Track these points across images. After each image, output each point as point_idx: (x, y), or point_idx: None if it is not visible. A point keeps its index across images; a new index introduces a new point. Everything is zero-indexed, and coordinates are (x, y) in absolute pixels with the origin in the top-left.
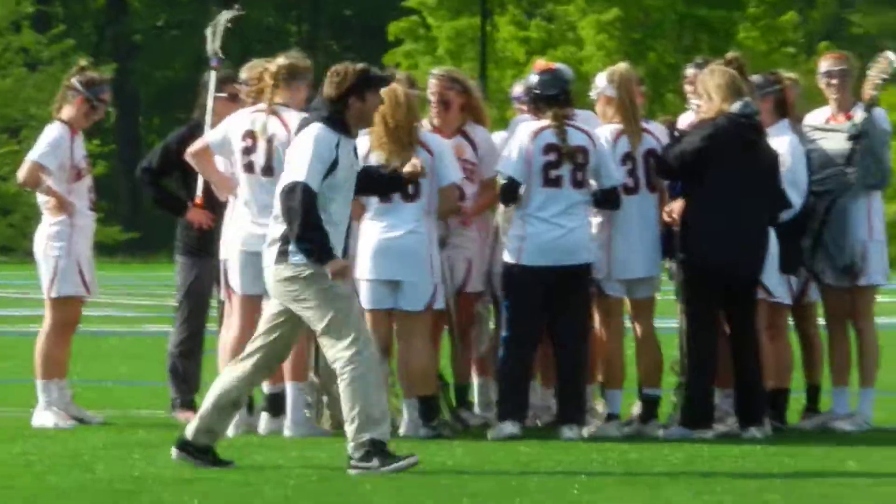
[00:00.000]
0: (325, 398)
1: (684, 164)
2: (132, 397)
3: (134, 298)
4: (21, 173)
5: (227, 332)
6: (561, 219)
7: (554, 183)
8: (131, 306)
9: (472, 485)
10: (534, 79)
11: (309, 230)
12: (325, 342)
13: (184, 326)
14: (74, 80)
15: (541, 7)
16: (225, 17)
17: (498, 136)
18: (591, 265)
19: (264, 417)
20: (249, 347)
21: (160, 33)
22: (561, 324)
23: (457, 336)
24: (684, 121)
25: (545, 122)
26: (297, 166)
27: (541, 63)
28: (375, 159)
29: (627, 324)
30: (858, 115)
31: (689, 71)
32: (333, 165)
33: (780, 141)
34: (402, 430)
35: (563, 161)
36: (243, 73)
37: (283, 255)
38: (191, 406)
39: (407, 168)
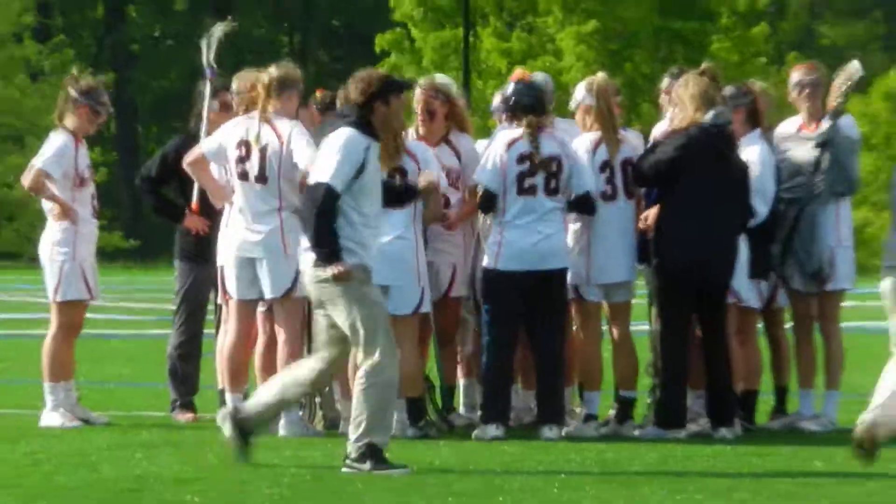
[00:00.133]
0: (317, 400)
1: (658, 173)
2: (134, 398)
3: (135, 302)
4: (26, 180)
5: (224, 335)
6: (537, 225)
7: (528, 192)
8: (132, 310)
9: (458, 483)
10: (510, 88)
11: (321, 230)
12: (353, 345)
13: (182, 329)
14: (73, 91)
15: (521, 19)
16: (219, 29)
17: (481, 145)
18: (566, 270)
19: None
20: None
21: (157, 44)
22: (539, 328)
23: (442, 339)
24: (659, 130)
25: (519, 131)
26: (325, 167)
27: (518, 73)
28: None
29: (604, 327)
30: (825, 124)
31: (665, 81)
32: (362, 168)
33: (751, 150)
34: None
35: (537, 170)
36: (235, 83)
37: (318, 260)
38: (190, 407)
39: (422, 182)
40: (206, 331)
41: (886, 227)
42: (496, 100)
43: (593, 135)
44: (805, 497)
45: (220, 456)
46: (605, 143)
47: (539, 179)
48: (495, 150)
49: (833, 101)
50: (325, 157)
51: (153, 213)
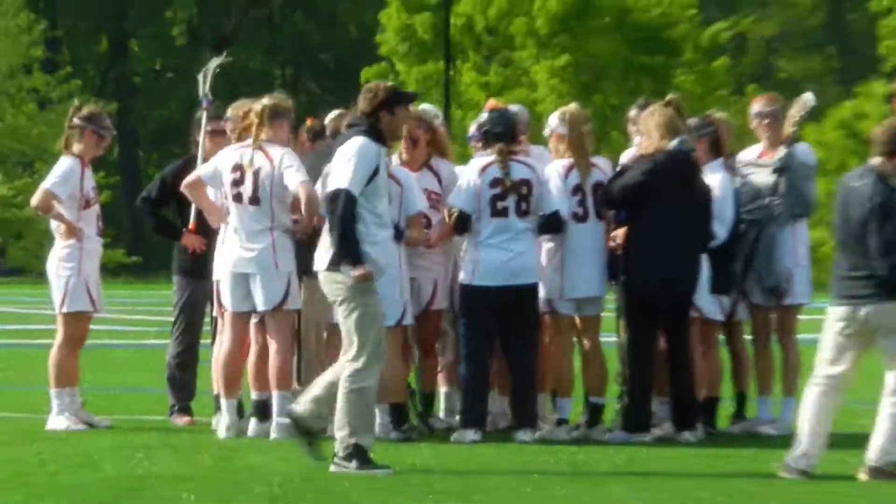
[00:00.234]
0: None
1: (627, 196)
2: (135, 404)
3: (136, 315)
4: (34, 200)
5: (220, 345)
6: (509, 244)
7: (501, 213)
8: (134, 322)
9: (438, 483)
10: (484, 117)
11: (345, 235)
12: (345, 346)
13: (180, 340)
14: (77, 120)
15: (498, 54)
16: (215, 62)
17: (460, 170)
18: (536, 285)
19: (252, 422)
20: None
21: (157, 76)
22: (513, 339)
23: (424, 349)
24: (627, 156)
25: (491, 157)
26: (341, 175)
27: (491, 103)
28: None
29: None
30: (781, 151)
31: (633, 111)
32: (375, 172)
33: (713, 178)
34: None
35: (508, 193)
36: (230, 112)
37: (335, 263)
38: (187, 411)
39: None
40: (202, 341)
41: None
42: (472, 128)
43: (566, 161)
44: (762, 496)
45: (215, 457)
46: (577, 169)
47: (510, 202)
48: (469, 175)
49: (788, 129)
50: (340, 165)
51: (153, 232)
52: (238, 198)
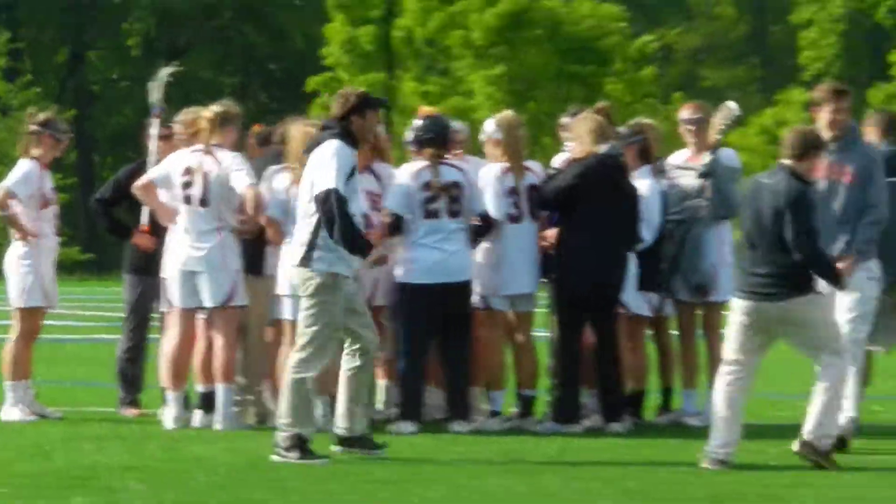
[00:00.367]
0: (250, 397)
1: (559, 198)
2: (86, 396)
3: (89, 311)
4: None
5: (168, 340)
6: (442, 244)
7: (433, 215)
8: (86, 317)
9: (376, 472)
10: (416, 123)
11: (348, 230)
12: (297, 338)
13: (130, 335)
14: (33, 125)
15: (437, 64)
16: (166, 72)
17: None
18: (469, 283)
19: (198, 413)
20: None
21: (114, 84)
22: (447, 335)
23: None
24: (559, 160)
25: (423, 162)
26: (326, 176)
27: (423, 109)
28: (295, 194)
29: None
30: (706, 156)
31: (564, 119)
32: (351, 172)
33: (641, 183)
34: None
35: (439, 195)
36: (180, 119)
37: (306, 260)
38: (136, 404)
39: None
40: (151, 336)
41: None
42: (408, 134)
43: (501, 165)
44: (687, 484)
45: (163, 447)
46: (512, 172)
47: (442, 204)
48: (402, 178)
49: (713, 136)
50: (321, 167)
51: (106, 232)
52: (188, 200)
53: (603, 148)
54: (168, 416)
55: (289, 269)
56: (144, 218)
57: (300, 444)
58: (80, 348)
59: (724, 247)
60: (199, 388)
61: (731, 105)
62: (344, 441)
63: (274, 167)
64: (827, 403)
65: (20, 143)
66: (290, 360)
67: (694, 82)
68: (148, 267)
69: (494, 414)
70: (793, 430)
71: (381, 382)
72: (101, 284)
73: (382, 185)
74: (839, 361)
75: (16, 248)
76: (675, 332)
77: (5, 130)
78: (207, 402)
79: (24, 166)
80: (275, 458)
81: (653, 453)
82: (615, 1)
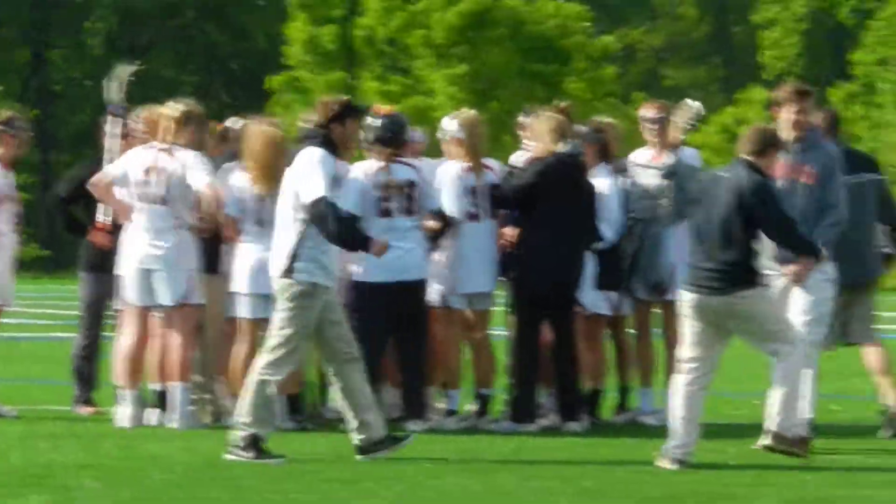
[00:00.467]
0: (206, 395)
1: (518, 197)
2: (42, 394)
3: (43, 308)
4: None
5: (124, 338)
6: (397, 242)
7: (386, 213)
8: (42, 315)
9: (330, 471)
10: (374, 122)
11: (342, 233)
12: (268, 342)
13: (85, 333)
14: None
15: (398, 63)
16: (126, 70)
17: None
18: (424, 280)
19: (154, 412)
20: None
21: (76, 83)
22: (403, 333)
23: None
24: (519, 159)
25: (377, 161)
26: (313, 185)
27: (377, 108)
28: (252, 192)
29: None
30: (669, 156)
31: (523, 118)
32: (334, 182)
33: (601, 182)
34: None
35: (392, 194)
36: (139, 117)
37: (288, 271)
38: (91, 402)
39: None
40: (106, 334)
41: None
42: (365, 134)
43: (461, 163)
44: (644, 483)
45: (118, 445)
46: (472, 171)
47: (396, 202)
48: (356, 177)
49: (676, 135)
50: (307, 175)
51: (63, 229)
52: (146, 197)
53: (563, 147)
54: (123, 414)
55: (273, 280)
56: (101, 216)
57: (256, 444)
58: (36, 346)
59: (683, 246)
60: (155, 386)
61: (694, 104)
62: (367, 450)
63: (230, 165)
64: (788, 393)
65: None
66: (258, 361)
67: (656, 81)
68: (104, 264)
69: (451, 413)
70: (752, 428)
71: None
72: (56, 282)
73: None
74: (794, 350)
75: None
76: (633, 331)
77: None
78: (163, 401)
79: None
80: (230, 456)
81: (610, 452)
82: (578, 0)
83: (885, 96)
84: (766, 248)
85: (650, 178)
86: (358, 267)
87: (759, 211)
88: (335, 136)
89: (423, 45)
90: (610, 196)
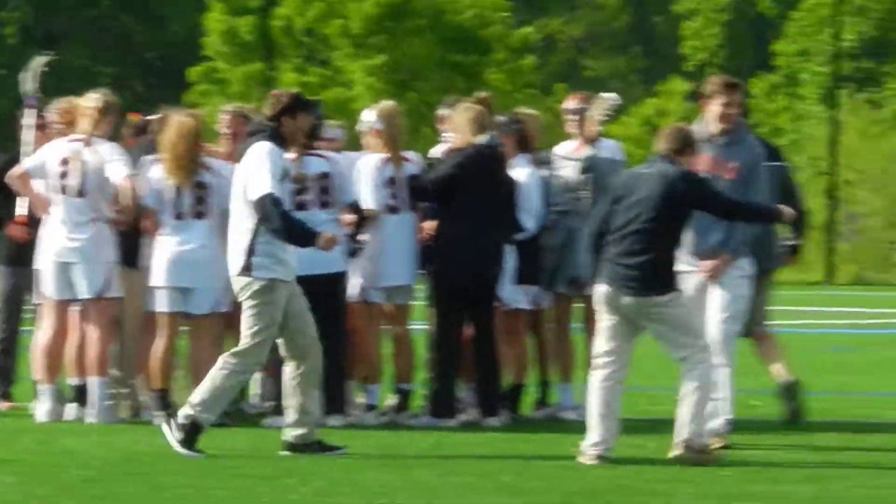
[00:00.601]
0: (124, 390)
1: (438, 188)
2: None
3: None
4: None
5: (41, 332)
6: None
7: (302, 207)
8: None
9: (250, 466)
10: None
11: (288, 228)
12: (242, 339)
13: (3, 327)
14: None
15: (317, 54)
16: (40, 61)
17: None
18: (343, 274)
19: (71, 406)
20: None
21: None
22: (321, 327)
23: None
24: (438, 151)
25: (291, 153)
26: (260, 181)
27: None
28: (168, 184)
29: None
30: (586, 150)
31: (442, 110)
32: (283, 175)
33: (520, 172)
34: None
35: (308, 187)
36: (55, 108)
37: (246, 269)
38: (8, 397)
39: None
40: (24, 328)
41: None
42: None
43: (380, 155)
44: (564, 479)
45: (35, 440)
46: (391, 162)
47: (311, 195)
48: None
49: (592, 129)
50: (254, 171)
51: None
52: (64, 190)
53: (482, 138)
54: (41, 409)
55: (232, 279)
56: (20, 209)
57: (191, 429)
58: None
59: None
60: (73, 380)
61: (609, 96)
62: (297, 448)
63: (149, 157)
64: (698, 404)
65: None
66: (228, 357)
67: (576, 72)
68: (21, 258)
69: (371, 408)
70: (671, 424)
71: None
72: None
73: None
74: (705, 359)
75: None
76: (553, 325)
77: None
78: (81, 395)
79: None
80: (163, 426)
81: (530, 448)
82: None
83: (807, 87)
84: (682, 245)
85: (571, 171)
86: None
87: (694, 195)
88: (285, 130)
89: (341, 35)
90: (530, 186)
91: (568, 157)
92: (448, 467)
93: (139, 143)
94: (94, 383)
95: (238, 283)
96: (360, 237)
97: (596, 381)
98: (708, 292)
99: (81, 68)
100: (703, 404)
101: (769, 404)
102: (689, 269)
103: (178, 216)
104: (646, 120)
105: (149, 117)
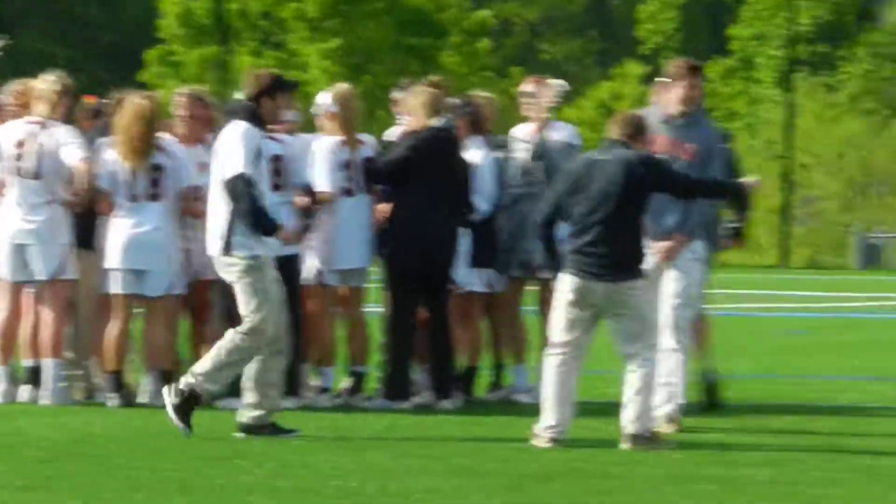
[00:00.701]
0: (78, 372)
1: (392, 171)
2: None
3: None
4: None
5: None
6: None
7: None
8: None
9: (202, 448)
10: (237, 96)
11: (254, 213)
12: (243, 317)
13: None
14: None
15: (273, 37)
16: None
17: None
18: (297, 256)
19: (25, 388)
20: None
21: None
22: None
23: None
24: (393, 134)
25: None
26: (234, 160)
27: None
28: (123, 167)
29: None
30: (535, 137)
31: (396, 93)
32: (258, 154)
33: (474, 154)
34: (142, 400)
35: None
36: (8, 91)
37: (227, 247)
38: None
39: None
40: None
41: None
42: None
43: (336, 138)
44: (513, 461)
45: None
46: (347, 145)
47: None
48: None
49: (540, 115)
50: (229, 151)
51: None
52: (19, 172)
53: (436, 121)
54: None
55: (214, 258)
56: None
57: (188, 399)
58: None
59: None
60: (27, 362)
61: (556, 82)
62: (251, 429)
63: (104, 139)
64: (645, 397)
65: None
66: (235, 333)
67: (532, 55)
68: None
69: (324, 390)
70: None
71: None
72: None
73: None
74: (652, 358)
75: None
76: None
77: None
78: (35, 377)
79: None
80: (165, 395)
81: (483, 430)
82: None
83: (763, 71)
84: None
85: (524, 154)
86: None
87: (654, 178)
88: (264, 111)
89: (296, 18)
90: (483, 168)
91: (524, 140)
92: (402, 449)
93: (94, 126)
94: (48, 365)
95: (221, 263)
96: (312, 220)
97: (552, 366)
98: (662, 277)
99: (36, 51)
100: (648, 401)
101: (724, 388)
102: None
103: (133, 198)
104: (601, 103)
105: (104, 100)
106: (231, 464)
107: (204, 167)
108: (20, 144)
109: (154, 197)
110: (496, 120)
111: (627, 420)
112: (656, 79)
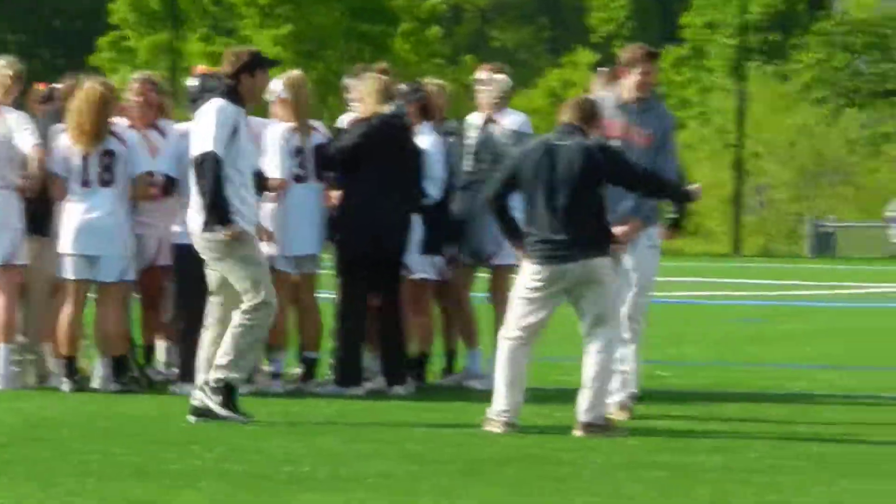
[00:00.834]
0: (30, 356)
1: (344, 157)
2: None
3: None
4: None
5: None
6: None
7: None
8: None
9: (154, 432)
10: (192, 82)
11: (212, 196)
12: (242, 296)
13: None
14: None
15: (224, 23)
16: None
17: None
18: None
19: None
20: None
21: None
22: None
23: (146, 304)
24: (344, 121)
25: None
26: (204, 137)
27: (199, 68)
28: (75, 151)
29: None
30: (473, 132)
31: (347, 80)
32: (235, 131)
33: (423, 140)
34: (95, 385)
35: None
36: None
37: (208, 223)
38: None
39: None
40: None
41: None
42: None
43: (288, 125)
44: (471, 446)
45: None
46: (298, 132)
47: None
48: (173, 139)
49: (484, 111)
50: (201, 128)
51: None
52: None
53: (387, 108)
54: None
55: (194, 237)
56: None
57: (227, 391)
58: None
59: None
60: None
61: (500, 78)
62: (203, 413)
63: (58, 126)
64: (600, 384)
65: None
66: (239, 315)
67: (483, 43)
68: None
69: (276, 376)
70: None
71: (161, 343)
72: None
73: (169, 141)
74: (614, 337)
75: None
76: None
77: None
78: None
79: None
80: (195, 401)
81: (435, 416)
82: None
83: (715, 60)
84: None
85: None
86: (180, 227)
87: (610, 168)
88: (243, 88)
89: (247, 4)
90: (433, 153)
91: (478, 128)
92: (353, 435)
93: (46, 111)
94: (0, 349)
95: (202, 241)
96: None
97: (506, 351)
98: (618, 264)
99: None
100: (603, 389)
101: (678, 375)
102: None
103: (85, 184)
104: (551, 91)
105: (55, 85)
106: (183, 449)
107: (156, 152)
108: None
109: (106, 182)
110: (448, 107)
111: (581, 408)
112: (598, 68)
